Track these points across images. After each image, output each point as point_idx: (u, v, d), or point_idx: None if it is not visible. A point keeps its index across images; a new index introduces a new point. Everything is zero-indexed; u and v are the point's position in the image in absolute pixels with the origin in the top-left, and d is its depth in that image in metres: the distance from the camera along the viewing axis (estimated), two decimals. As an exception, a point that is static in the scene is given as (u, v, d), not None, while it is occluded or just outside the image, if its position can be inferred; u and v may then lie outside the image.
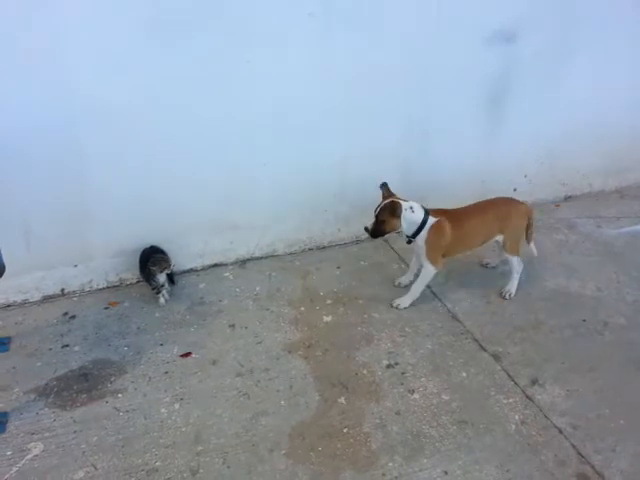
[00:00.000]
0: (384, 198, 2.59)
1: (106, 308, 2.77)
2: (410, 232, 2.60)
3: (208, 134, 2.71)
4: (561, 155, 3.66)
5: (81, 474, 1.94)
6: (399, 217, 2.53)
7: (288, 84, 2.75)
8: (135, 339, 2.55)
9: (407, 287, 2.83)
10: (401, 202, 2.54)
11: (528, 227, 2.77)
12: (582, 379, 2.32)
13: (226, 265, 3.12)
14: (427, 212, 2.59)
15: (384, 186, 2.64)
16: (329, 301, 2.84)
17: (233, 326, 2.65)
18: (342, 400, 2.23)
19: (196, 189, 2.82)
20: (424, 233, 2.58)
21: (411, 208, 2.56)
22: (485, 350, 2.48)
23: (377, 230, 2.57)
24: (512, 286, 2.84)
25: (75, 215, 2.68)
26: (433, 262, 2.65)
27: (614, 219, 3.60)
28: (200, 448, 2.02)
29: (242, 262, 3.15)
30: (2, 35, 2.23)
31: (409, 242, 2.66)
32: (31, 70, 2.32)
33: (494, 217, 2.69)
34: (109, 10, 2.33)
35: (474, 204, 2.73)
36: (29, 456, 1.99)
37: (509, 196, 2.82)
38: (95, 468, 1.96)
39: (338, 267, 3.13)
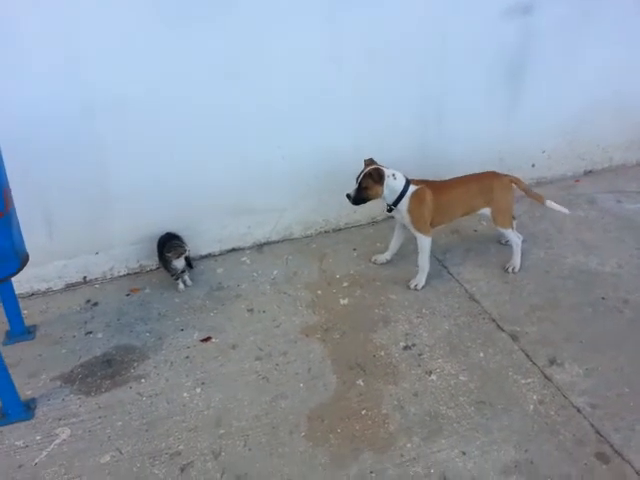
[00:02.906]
0: (366, 164, 2.61)
1: (127, 295, 2.80)
2: (391, 200, 2.63)
3: (222, 119, 2.71)
4: (580, 129, 3.56)
5: (107, 458, 1.98)
6: (382, 184, 2.55)
7: (301, 64, 2.72)
8: (156, 325, 2.58)
9: (384, 265, 2.91)
10: (384, 169, 2.56)
11: (527, 193, 2.78)
12: (602, 358, 2.29)
13: (243, 250, 3.13)
14: (408, 181, 2.63)
15: (370, 159, 2.66)
16: (346, 283, 2.83)
17: (251, 310, 2.66)
18: (360, 382, 2.24)
19: (213, 174, 2.82)
20: (405, 201, 2.61)
21: (393, 175, 2.59)
22: (503, 330, 2.46)
23: (359, 197, 2.59)
24: (515, 260, 2.82)
25: (96, 203, 2.70)
26: (423, 231, 2.68)
27: (635, 194, 3.50)
28: (222, 431, 2.05)
29: (259, 246, 3.16)
30: (22, 30, 2.27)
31: (390, 210, 2.69)
32: (49, 63, 2.35)
33: (476, 189, 2.71)
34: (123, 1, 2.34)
35: (457, 177, 2.76)
36: (57, 441, 2.05)
37: (493, 170, 2.82)
38: (120, 452, 2.00)
39: (354, 249, 3.11)
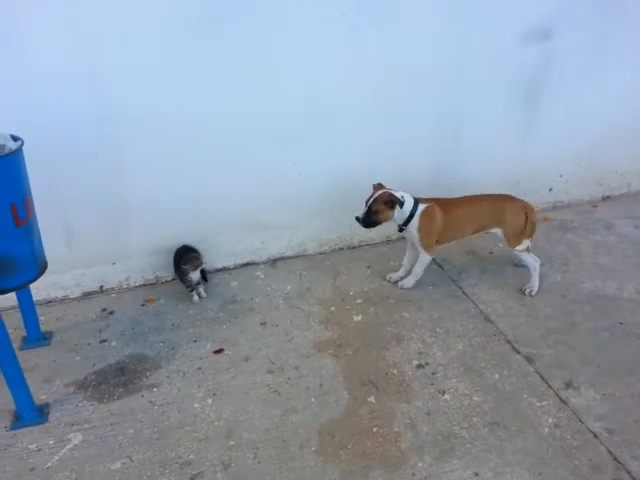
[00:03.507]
0: (375, 188, 2.66)
1: (142, 305, 2.84)
2: (401, 221, 2.68)
3: (239, 133, 2.75)
4: (598, 154, 3.56)
5: (118, 465, 1.99)
6: (393, 208, 2.61)
7: (318, 81, 2.76)
8: (170, 335, 2.61)
9: (397, 283, 2.94)
10: (394, 193, 2.61)
11: (529, 224, 2.76)
12: (619, 383, 2.27)
13: (257, 264, 3.16)
14: (417, 201, 2.67)
15: (378, 184, 2.71)
16: (359, 300, 2.85)
17: (264, 324, 2.68)
18: (372, 399, 2.24)
19: (228, 188, 2.85)
20: (415, 221, 2.67)
21: (402, 197, 2.62)
22: (518, 352, 2.45)
23: (369, 220, 2.64)
24: (533, 283, 2.83)
25: (114, 215, 2.75)
26: (427, 249, 2.74)
27: (654, 220, 3.49)
28: (232, 443, 2.05)
29: (273, 261, 3.18)
30: (52, 38, 2.34)
31: (400, 230, 2.74)
32: (75, 71, 2.41)
33: (487, 209, 2.75)
34: (143, 12, 2.40)
35: (468, 196, 2.80)
36: (69, 445, 2.06)
37: (509, 194, 2.84)
38: (131, 460, 2.01)
39: (368, 267, 3.13)
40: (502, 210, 2.74)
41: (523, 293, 2.84)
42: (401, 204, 2.60)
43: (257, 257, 3.17)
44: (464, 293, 2.88)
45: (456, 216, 2.72)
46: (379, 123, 2.97)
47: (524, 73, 3.15)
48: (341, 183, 3.06)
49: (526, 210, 2.76)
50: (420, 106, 3.01)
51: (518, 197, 2.82)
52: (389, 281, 2.98)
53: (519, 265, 3.02)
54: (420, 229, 2.68)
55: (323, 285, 2.97)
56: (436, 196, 2.76)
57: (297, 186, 3.00)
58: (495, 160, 3.27)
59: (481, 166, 3.25)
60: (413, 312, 2.75)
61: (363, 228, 2.71)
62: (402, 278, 2.94)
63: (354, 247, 3.32)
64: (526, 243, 2.78)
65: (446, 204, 2.71)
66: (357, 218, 2.63)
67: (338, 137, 2.93)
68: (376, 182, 2.72)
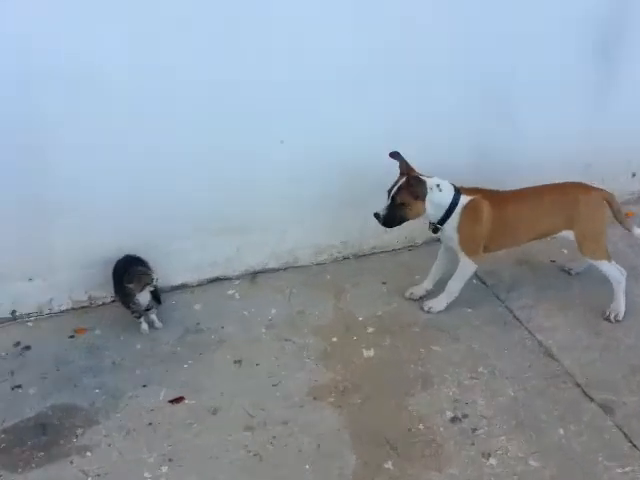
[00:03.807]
0: (402, 171, 2.69)
1: (71, 337, 2.83)
2: (436, 217, 2.71)
3: (206, 102, 2.77)
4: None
5: None
6: (424, 199, 2.63)
7: (315, 33, 2.78)
8: (109, 378, 2.60)
9: (422, 299, 2.96)
10: (425, 178, 2.63)
11: (616, 215, 2.82)
12: None
13: (230, 279, 3.17)
14: (458, 191, 2.70)
15: (398, 156, 2.72)
16: (371, 329, 2.86)
17: (239, 362, 2.69)
18: (389, 465, 2.23)
19: (190, 178, 2.88)
20: (455, 218, 2.69)
21: (438, 186, 2.66)
22: (591, 399, 2.46)
23: (393, 216, 2.66)
24: (618, 303, 2.85)
25: (31, 213, 2.74)
26: (470, 253, 2.76)
27: None
28: (196, 530, 2.06)
29: (252, 275, 3.20)
30: None
31: (435, 231, 2.78)
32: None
33: (554, 205, 2.77)
34: None
35: (528, 187, 2.82)
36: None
37: (579, 181, 2.87)
38: None
39: (383, 282, 3.15)
40: (574, 204, 2.76)
41: (606, 319, 2.85)
42: (429, 190, 2.63)
43: (230, 270, 3.18)
44: (516, 318, 2.89)
45: (511, 215, 2.75)
46: (398, 92, 3.01)
47: (596, 19, 3.17)
48: (347, 169, 3.08)
49: (606, 200, 2.79)
50: (454, 69, 3.06)
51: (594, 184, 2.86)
52: (411, 299, 3.00)
53: (571, 272, 3.12)
54: (461, 229, 2.71)
55: (321, 308, 2.98)
56: (482, 187, 2.79)
57: (285, 173, 3.02)
58: (557, 137, 3.31)
59: (538, 143, 3.29)
60: (446, 344, 2.75)
61: (382, 227, 2.75)
62: (428, 293, 2.97)
63: (364, 255, 3.33)
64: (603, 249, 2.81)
65: (497, 198, 2.74)
66: (376, 215, 2.67)
67: (342, 108, 2.96)
68: (391, 151, 2.74)
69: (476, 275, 3.13)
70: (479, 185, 2.80)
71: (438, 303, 2.90)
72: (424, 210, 2.68)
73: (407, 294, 3.02)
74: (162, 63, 2.63)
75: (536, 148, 3.27)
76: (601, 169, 3.41)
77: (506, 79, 3.16)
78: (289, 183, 3.06)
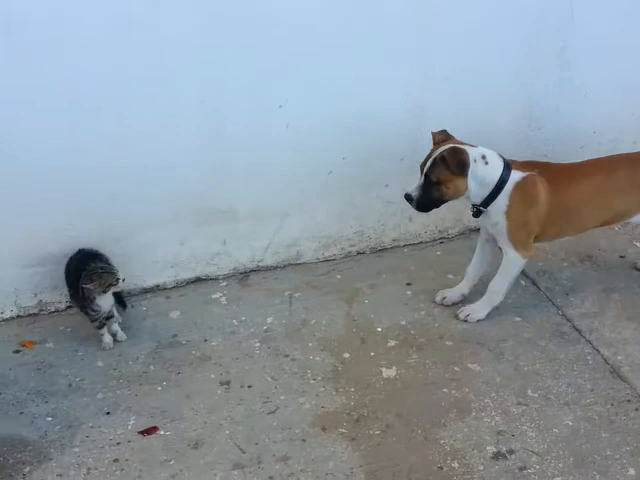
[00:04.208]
0: (437, 141, 2.70)
1: (17, 352, 2.81)
2: (480, 198, 2.68)
3: (183, 57, 2.72)
4: None
5: None
6: (465, 174, 2.59)
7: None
8: (64, 404, 2.55)
9: (457, 305, 2.94)
10: (467, 148, 2.62)
11: None
12: None
13: (216, 280, 3.15)
14: (508, 165, 2.67)
15: (443, 133, 2.73)
16: (393, 342, 2.81)
17: (227, 384, 2.63)
18: (416, 513, 2.17)
19: (166, 152, 2.84)
20: (503, 199, 2.65)
21: (483, 158, 2.62)
22: (672, 430, 2.39)
23: (428, 198, 2.64)
24: None
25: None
26: (520, 246, 2.72)
27: None
28: None
29: (243, 275, 3.18)
30: None
31: (477, 215, 2.75)
32: None
33: (628, 181, 2.75)
34: None
35: (596, 159, 2.81)
36: None
37: None
38: None
39: (408, 284, 3.11)
40: None
41: None
42: (472, 162, 2.59)
43: (214, 268, 3.16)
44: (575, 328, 2.84)
45: (574, 194, 2.72)
46: (425, 41, 2.97)
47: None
48: (361, 142, 3.05)
49: None
50: (500, 12, 2.97)
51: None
52: (443, 304, 2.96)
53: None
54: (511, 214, 2.67)
55: (330, 315, 2.95)
56: (538, 160, 2.76)
57: (284, 147, 2.99)
58: (630, 97, 3.25)
59: (605, 109, 3.23)
60: (487, 362, 2.69)
61: (411, 213, 2.77)
62: (465, 298, 2.91)
63: (384, 249, 3.32)
64: None
65: (557, 174, 2.71)
66: (408, 196, 2.65)
67: (355, 66, 2.92)
68: (436, 129, 2.71)
69: (525, 275, 3.11)
70: (528, 158, 2.75)
71: (478, 310, 2.86)
72: (466, 188, 2.63)
73: (438, 298, 2.98)
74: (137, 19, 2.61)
75: (602, 113, 3.25)
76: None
77: (565, 26, 3.08)
78: (289, 158, 3.01)
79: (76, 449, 2.34)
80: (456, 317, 2.88)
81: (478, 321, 2.85)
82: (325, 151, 3.03)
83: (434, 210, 2.75)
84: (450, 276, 3.08)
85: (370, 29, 2.88)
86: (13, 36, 2.51)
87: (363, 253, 3.28)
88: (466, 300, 2.94)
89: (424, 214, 2.81)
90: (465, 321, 2.86)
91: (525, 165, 2.69)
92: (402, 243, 3.30)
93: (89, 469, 2.28)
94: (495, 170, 2.63)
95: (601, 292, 3.00)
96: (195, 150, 2.90)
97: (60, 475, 2.26)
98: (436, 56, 3.00)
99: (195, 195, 2.99)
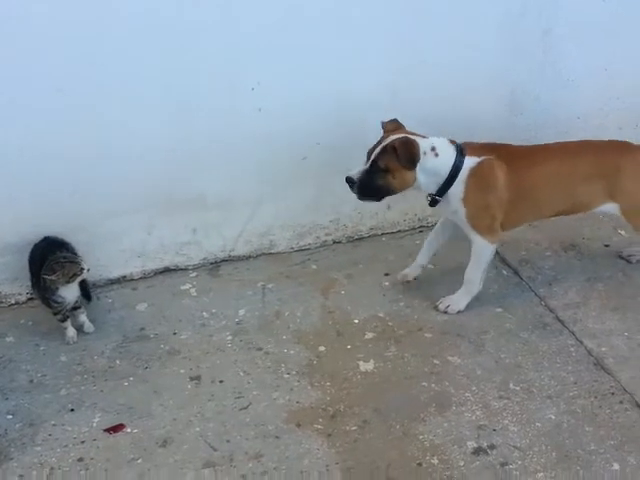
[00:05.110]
0: (388, 129, 2.68)
1: (-25, 346, 2.75)
2: (434, 187, 2.68)
3: (149, 40, 2.69)
4: None
5: None
6: (413, 167, 2.58)
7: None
8: (25, 401, 2.51)
9: (387, 283, 3.01)
10: (417, 140, 2.60)
11: None
12: None
13: (185, 270, 3.13)
14: (461, 151, 2.65)
15: (393, 122, 2.72)
16: (370, 334, 2.78)
17: (198, 378, 2.60)
18: (394, 511, 2.17)
19: (132, 135, 2.81)
20: (459, 186, 2.64)
21: (432, 150, 2.61)
22: (656, 424, 2.42)
23: (371, 185, 2.61)
24: None
25: None
26: (484, 231, 2.71)
27: None
28: None
29: (214, 265, 3.16)
30: None
31: (433, 204, 2.74)
32: None
33: (592, 168, 2.75)
34: None
35: (557, 143, 2.84)
36: None
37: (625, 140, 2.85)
38: None
39: (386, 274, 3.09)
40: (616, 168, 2.74)
41: None
42: (421, 155, 2.58)
43: (184, 258, 3.13)
44: (558, 319, 2.83)
45: (532, 178, 2.72)
46: (404, 24, 2.94)
47: None
48: (336, 125, 3.02)
49: None
50: None
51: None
52: (402, 281, 3.00)
53: (630, 259, 3.09)
54: (468, 200, 2.66)
55: (305, 307, 2.93)
56: (500, 142, 2.76)
57: (257, 131, 2.94)
58: (610, 84, 3.26)
59: (587, 95, 3.24)
60: (467, 355, 2.68)
61: (357, 199, 2.70)
62: (424, 270, 2.99)
63: (361, 238, 3.31)
64: None
65: (515, 157, 2.70)
66: (349, 180, 2.62)
67: (329, 46, 2.89)
68: (388, 119, 2.71)
69: (507, 264, 3.13)
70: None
71: (457, 300, 2.85)
72: (414, 180, 2.63)
73: (399, 277, 3.01)
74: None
75: (584, 98, 3.25)
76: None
77: (546, 3, 3.06)
78: (261, 143, 2.99)
79: (38, 448, 2.32)
80: (435, 308, 2.88)
81: (458, 312, 2.84)
82: (299, 136, 3.03)
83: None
84: (430, 266, 3.04)
85: (345, 12, 2.85)
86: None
87: (339, 242, 3.28)
88: (439, 285, 2.95)
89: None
90: (445, 312, 2.85)
91: (482, 148, 2.69)
92: (380, 232, 3.31)
93: (52, 469, 2.25)
94: (447, 160, 2.64)
95: (585, 282, 3.01)
96: (162, 136, 2.87)
97: (22, 475, 2.23)
98: (412, 40, 2.99)
99: (163, 182, 2.96)
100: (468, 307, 2.86)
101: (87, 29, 2.59)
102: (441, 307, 2.86)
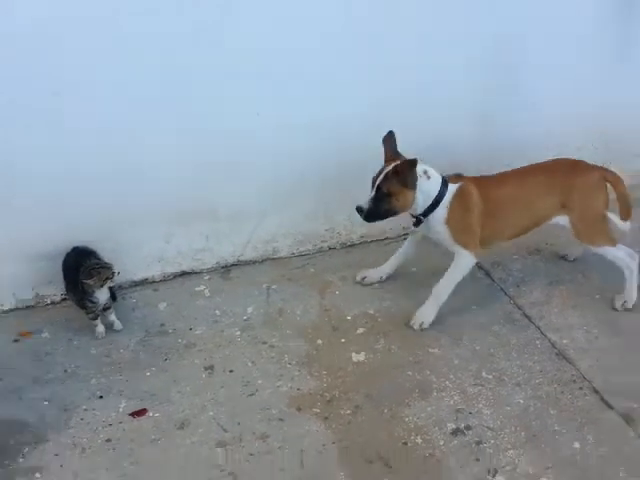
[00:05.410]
0: (388, 159, 2.72)
1: (15, 341, 2.85)
2: (421, 210, 2.75)
3: (167, 64, 2.76)
4: None
5: None
6: (414, 187, 2.66)
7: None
8: (60, 389, 2.61)
9: (377, 284, 3.10)
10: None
11: (620, 200, 2.85)
12: None
13: (200, 274, 3.22)
14: (444, 179, 2.75)
15: (389, 139, 2.76)
16: (361, 329, 2.90)
17: (211, 368, 2.71)
18: (383, 484, 2.25)
19: (151, 155, 2.88)
20: (442, 210, 2.74)
21: (425, 173, 2.69)
22: (611, 407, 2.49)
23: (378, 209, 2.69)
24: (630, 292, 2.91)
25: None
26: (469, 245, 2.79)
27: None
28: None
29: (225, 269, 3.25)
30: None
31: (418, 224, 2.81)
32: None
33: (547, 186, 2.83)
34: None
35: (517, 168, 2.89)
36: None
37: (576, 159, 2.93)
38: None
39: None
40: (568, 186, 2.82)
41: (616, 308, 2.93)
42: (418, 177, 2.66)
43: (198, 263, 3.22)
44: (526, 315, 2.94)
45: (498, 199, 2.79)
46: (389, 59, 3.05)
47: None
48: (332, 147, 3.11)
49: (608, 181, 2.84)
50: (454, 32, 3.09)
51: (597, 164, 2.94)
52: (362, 282, 3.12)
53: (569, 259, 3.22)
54: (452, 221, 2.75)
55: (304, 305, 3.03)
56: (466, 175, 2.84)
57: (262, 151, 3.04)
58: (570, 110, 3.37)
59: (549, 118, 3.35)
60: (446, 347, 2.79)
61: (366, 220, 2.77)
62: (382, 279, 3.10)
63: (353, 245, 3.40)
64: (626, 225, 2.85)
65: (484, 183, 2.79)
66: (359, 209, 2.69)
67: (325, 79, 2.99)
68: (387, 133, 2.78)
69: (480, 267, 3.19)
70: (482, 170, 2.90)
71: (428, 314, 2.87)
72: (414, 200, 2.70)
73: (358, 277, 3.12)
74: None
75: (546, 121, 3.34)
76: (618, 146, 3.48)
77: (514, 45, 3.20)
78: (267, 162, 3.09)
79: (71, 430, 2.41)
80: (408, 325, 2.87)
81: (427, 326, 2.85)
82: (300, 155, 3.10)
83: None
84: (413, 269, 3.17)
85: (338, 49, 2.97)
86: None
87: (334, 248, 3.38)
88: (422, 287, 2.95)
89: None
90: (420, 329, 2.85)
91: (456, 178, 2.78)
92: (369, 239, 3.40)
93: (83, 449, 2.34)
94: (435, 184, 2.72)
95: (549, 282, 3.12)
96: (181, 159, 2.95)
97: (57, 455, 2.32)
98: (398, 73, 3.08)
99: (180, 197, 3.02)
100: (447, 306, 2.87)
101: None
102: (415, 326, 2.85)
